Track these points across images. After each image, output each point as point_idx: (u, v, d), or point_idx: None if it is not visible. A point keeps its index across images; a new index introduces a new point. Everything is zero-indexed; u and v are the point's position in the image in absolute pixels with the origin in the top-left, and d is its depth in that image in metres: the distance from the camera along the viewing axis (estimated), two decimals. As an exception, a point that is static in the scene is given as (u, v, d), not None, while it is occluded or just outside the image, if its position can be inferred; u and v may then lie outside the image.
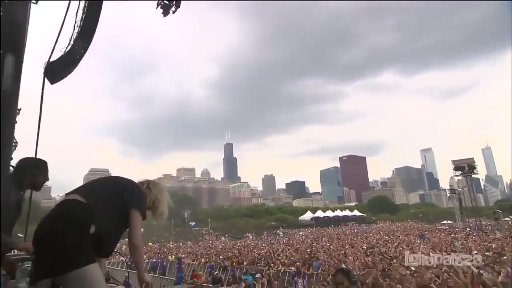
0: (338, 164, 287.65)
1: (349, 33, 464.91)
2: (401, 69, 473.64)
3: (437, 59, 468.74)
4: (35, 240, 1.83)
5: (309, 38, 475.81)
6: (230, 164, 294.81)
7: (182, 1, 13.70)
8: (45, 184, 2.86)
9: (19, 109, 6.34)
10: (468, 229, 36.57)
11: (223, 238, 61.79)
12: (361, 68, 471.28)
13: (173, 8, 13.86)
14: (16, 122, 6.08)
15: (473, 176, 46.73)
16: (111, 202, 1.97)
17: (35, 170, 2.71)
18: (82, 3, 10.68)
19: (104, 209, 1.91)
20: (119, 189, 2.07)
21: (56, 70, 10.72)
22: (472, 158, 46.49)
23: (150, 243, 45.67)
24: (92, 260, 1.79)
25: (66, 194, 2.00)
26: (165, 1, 13.83)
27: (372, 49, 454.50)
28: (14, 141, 7.10)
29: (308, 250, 20.20)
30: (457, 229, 38.02)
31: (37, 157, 2.76)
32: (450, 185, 51.35)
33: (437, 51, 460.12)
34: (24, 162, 2.76)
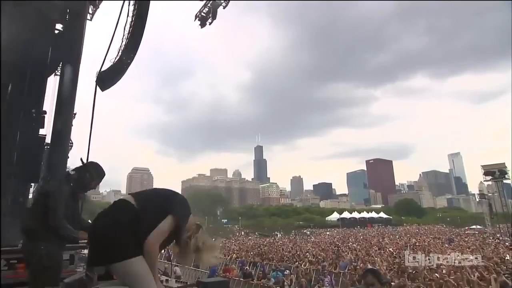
0: (365, 167, 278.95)
1: (379, 37, 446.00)
2: (432, 72, 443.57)
3: (470, 62, 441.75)
4: (90, 232, 1.98)
5: (339, 42, 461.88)
6: (260, 165, 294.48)
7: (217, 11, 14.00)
8: (92, 189, 3.07)
9: (75, 114, 6.71)
10: (498, 235, 34.40)
11: (253, 235, 61.74)
12: (391, 72, 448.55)
13: (209, 20, 14.20)
14: (72, 125, 6.45)
15: (504, 181, 43.92)
16: (155, 207, 1.98)
17: (94, 172, 2.88)
18: (129, 19, 11.22)
19: (149, 212, 1.94)
20: (165, 197, 2.08)
21: (106, 78, 11.32)
22: (504, 163, 43.56)
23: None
24: (137, 253, 1.85)
25: (127, 195, 2.10)
26: (202, 14, 14.22)
27: (403, 52, 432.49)
28: (70, 142, 7.53)
29: (335, 249, 19.78)
30: (486, 234, 35.84)
31: (100, 165, 2.94)
32: (479, 190, 48.42)
33: (470, 54, 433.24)
34: (90, 164, 2.98)
